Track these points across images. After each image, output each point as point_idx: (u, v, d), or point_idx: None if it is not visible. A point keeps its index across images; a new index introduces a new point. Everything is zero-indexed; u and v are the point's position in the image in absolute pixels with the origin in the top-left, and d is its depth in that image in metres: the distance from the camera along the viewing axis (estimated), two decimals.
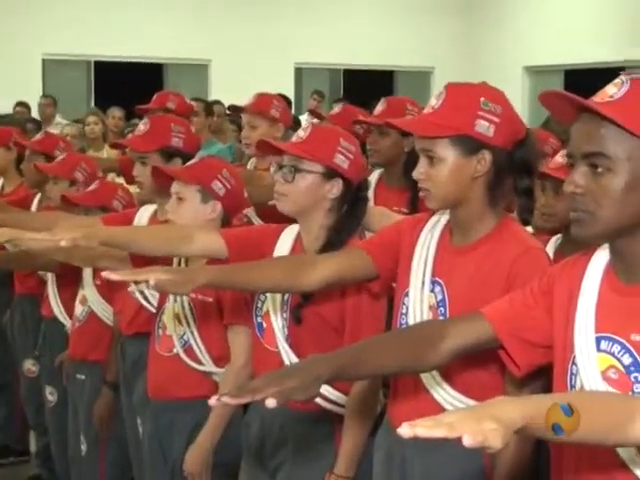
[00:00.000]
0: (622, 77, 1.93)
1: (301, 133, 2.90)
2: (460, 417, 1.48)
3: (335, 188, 2.87)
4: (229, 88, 11.78)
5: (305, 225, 2.93)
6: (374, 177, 4.28)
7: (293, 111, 11.47)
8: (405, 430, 1.45)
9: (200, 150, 4.10)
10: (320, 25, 15.00)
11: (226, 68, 14.36)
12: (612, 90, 1.90)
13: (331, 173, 2.86)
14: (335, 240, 2.85)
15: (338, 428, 2.86)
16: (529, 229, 2.60)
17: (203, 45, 14.27)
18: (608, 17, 14.47)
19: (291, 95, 14.08)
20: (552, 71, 15.36)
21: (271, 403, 1.81)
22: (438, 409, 2.43)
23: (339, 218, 2.89)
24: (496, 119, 2.40)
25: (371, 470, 2.69)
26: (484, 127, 2.40)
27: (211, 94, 13.51)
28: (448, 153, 2.41)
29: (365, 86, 13.00)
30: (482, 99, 2.41)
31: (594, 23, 14.55)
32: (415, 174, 2.47)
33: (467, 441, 1.43)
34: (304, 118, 10.34)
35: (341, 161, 2.86)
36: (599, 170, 1.88)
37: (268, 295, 2.95)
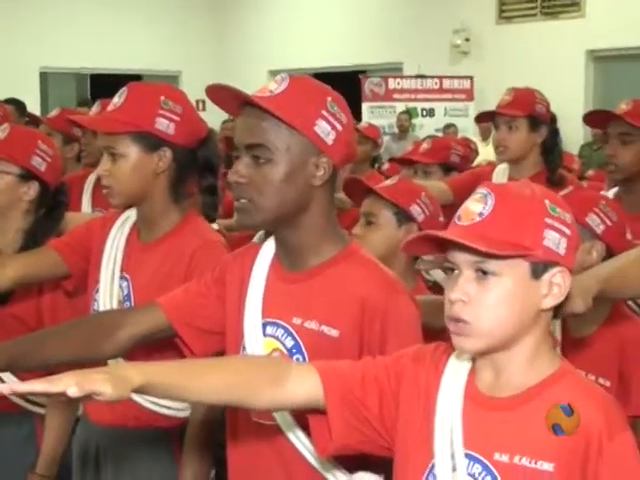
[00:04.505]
0: (282, 75, 2.06)
1: (0, 134, 2.89)
2: (72, 374, 1.53)
3: (32, 190, 2.87)
4: None
5: (1, 227, 2.91)
6: None
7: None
8: (3, 387, 1.51)
9: None
10: (65, 28, 14.72)
11: None
12: (273, 86, 2.03)
13: (27, 175, 2.86)
14: (31, 243, 2.84)
15: (39, 428, 2.87)
16: (215, 226, 2.69)
17: None
18: (352, 23, 14.95)
19: (37, 100, 13.80)
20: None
21: None
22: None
23: (35, 221, 2.89)
24: (176, 118, 2.50)
25: (71, 466, 2.72)
26: (164, 125, 2.48)
27: None
28: (129, 149, 2.48)
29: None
30: (162, 98, 2.50)
31: (338, 28, 14.99)
32: (98, 171, 2.53)
33: (72, 391, 1.49)
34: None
35: (38, 163, 2.86)
36: (261, 161, 1.99)
37: None
